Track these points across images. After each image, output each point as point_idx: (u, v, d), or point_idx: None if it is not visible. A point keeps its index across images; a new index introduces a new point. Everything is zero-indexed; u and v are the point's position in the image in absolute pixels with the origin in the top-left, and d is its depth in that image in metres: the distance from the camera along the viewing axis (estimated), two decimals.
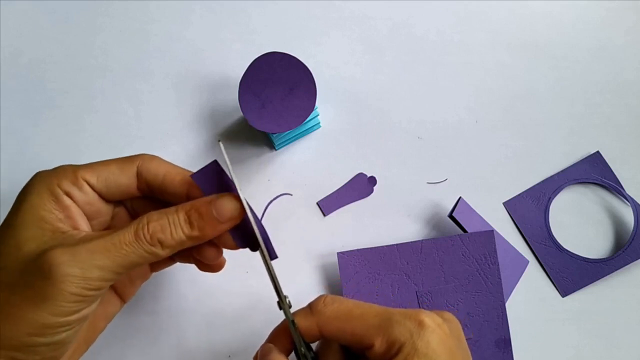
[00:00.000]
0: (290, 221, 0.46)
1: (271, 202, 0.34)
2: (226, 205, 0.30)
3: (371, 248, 0.43)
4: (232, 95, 0.49)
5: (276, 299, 0.31)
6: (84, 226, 0.31)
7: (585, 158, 0.49)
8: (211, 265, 0.35)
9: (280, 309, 0.31)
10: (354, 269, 0.43)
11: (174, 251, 0.29)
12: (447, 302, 0.43)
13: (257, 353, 0.31)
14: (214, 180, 0.31)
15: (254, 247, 0.32)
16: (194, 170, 0.32)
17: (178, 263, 0.37)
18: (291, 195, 0.31)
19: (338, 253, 0.43)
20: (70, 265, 0.26)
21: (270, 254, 0.31)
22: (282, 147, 0.48)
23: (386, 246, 0.43)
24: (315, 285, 0.45)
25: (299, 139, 0.48)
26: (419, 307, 0.43)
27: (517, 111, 0.50)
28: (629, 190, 0.48)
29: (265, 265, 0.31)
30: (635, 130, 0.50)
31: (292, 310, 0.31)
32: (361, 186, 0.47)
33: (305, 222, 0.46)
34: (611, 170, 0.48)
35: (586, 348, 0.44)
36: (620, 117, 0.50)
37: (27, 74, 0.50)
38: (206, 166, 0.31)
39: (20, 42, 0.51)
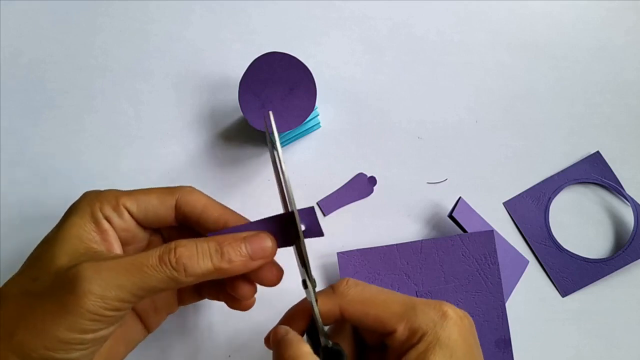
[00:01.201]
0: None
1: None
2: (261, 243, 0.30)
3: (371, 248, 0.43)
4: (232, 95, 0.49)
5: (300, 278, 0.30)
6: (118, 250, 0.31)
7: (585, 158, 0.49)
8: (241, 303, 0.35)
9: (306, 287, 0.30)
10: (354, 269, 0.43)
11: (197, 281, 0.29)
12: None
13: (269, 334, 0.31)
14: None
15: (290, 243, 0.32)
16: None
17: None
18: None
19: (338, 253, 0.43)
20: (91, 281, 0.26)
21: (318, 233, 0.31)
22: (282, 147, 0.48)
23: (386, 246, 0.43)
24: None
25: (299, 139, 0.48)
26: None
27: (517, 111, 0.50)
28: (629, 190, 0.48)
29: (296, 245, 0.30)
30: (635, 130, 0.50)
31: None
32: (361, 186, 0.47)
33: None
34: (611, 170, 0.48)
35: (586, 348, 0.44)
36: (620, 117, 0.50)
37: (27, 74, 0.50)
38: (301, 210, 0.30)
39: (20, 42, 0.51)
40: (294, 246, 0.31)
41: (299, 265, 0.30)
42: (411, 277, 0.43)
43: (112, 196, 0.31)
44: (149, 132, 0.49)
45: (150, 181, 0.47)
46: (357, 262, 0.43)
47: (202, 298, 0.37)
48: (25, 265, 0.30)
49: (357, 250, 0.43)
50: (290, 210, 0.30)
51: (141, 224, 0.33)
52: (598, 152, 0.49)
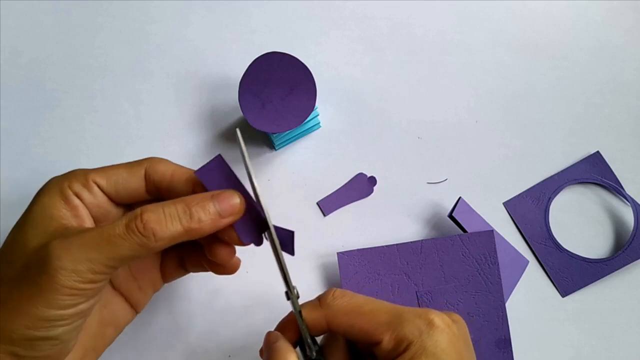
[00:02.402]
0: (290, 221, 0.46)
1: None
2: (229, 201, 0.30)
3: (371, 248, 0.43)
4: (232, 95, 0.49)
5: (284, 289, 0.30)
6: (91, 226, 0.31)
7: (585, 158, 0.49)
8: (226, 266, 0.34)
9: (288, 299, 0.30)
10: (354, 269, 0.43)
11: (168, 244, 0.29)
12: (447, 302, 0.43)
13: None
14: (219, 176, 0.31)
15: (259, 241, 0.32)
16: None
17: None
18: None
19: (338, 253, 0.43)
20: (62, 257, 0.26)
21: (289, 249, 0.31)
22: (282, 147, 0.48)
23: (386, 246, 0.43)
24: (315, 284, 0.45)
25: (299, 139, 0.48)
26: (419, 306, 0.43)
27: (517, 111, 0.50)
28: (629, 190, 0.48)
29: (275, 255, 0.30)
30: (635, 130, 0.50)
31: (299, 301, 0.31)
32: (361, 186, 0.47)
33: (305, 222, 0.46)
34: (611, 170, 0.48)
35: (586, 348, 0.44)
36: (620, 117, 0.50)
37: (27, 74, 0.50)
38: (210, 162, 0.31)
39: (20, 42, 0.51)
40: (275, 257, 0.31)
41: (281, 276, 0.31)
42: (411, 277, 0.43)
43: (81, 173, 0.31)
44: (149, 132, 0.49)
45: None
46: (357, 262, 0.43)
47: (187, 272, 0.37)
48: None
49: (357, 250, 0.43)
50: (268, 222, 0.30)
51: (113, 199, 0.32)
52: (598, 152, 0.49)
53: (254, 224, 0.31)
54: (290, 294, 0.30)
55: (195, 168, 0.31)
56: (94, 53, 0.51)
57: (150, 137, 0.48)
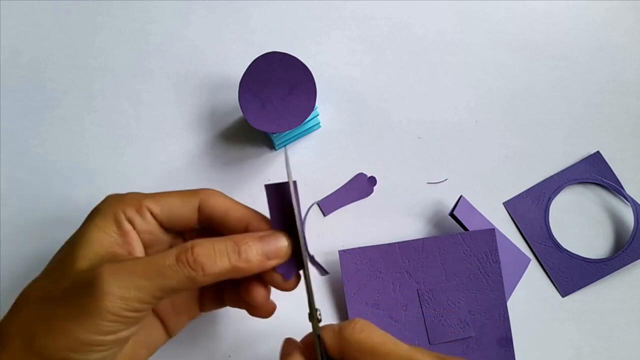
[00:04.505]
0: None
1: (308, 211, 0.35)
2: (277, 243, 0.30)
3: (372, 246, 0.43)
4: (232, 95, 0.49)
5: (307, 310, 0.31)
6: (139, 253, 0.31)
7: (585, 158, 0.49)
8: (261, 309, 0.35)
9: (310, 320, 0.31)
10: (355, 267, 0.43)
11: (214, 280, 0.29)
12: (448, 301, 0.43)
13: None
14: (282, 198, 0.32)
15: (296, 279, 0.33)
16: (255, 207, 0.33)
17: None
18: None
19: (339, 251, 0.43)
20: (110, 283, 0.26)
21: (321, 271, 0.32)
22: (282, 147, 0.48)
23: (387, 244, 0.43)
24: (316, 284, 0.45)
25: (299, 139, 0.48)
26: (420, 305, 0.43)
27: (517, 111, 0.50)
28: (629, 190, 0.48)
29: (304, 278, 0.31)
30: (635, 130, 0.50)
31: (321, 324, 0.31)
32: (361, 186, 0.47)
33: (306, 222, 0.46)
34: (611, 170, 0.48)
35: (586, 348, 0.44)
36: (620, 117, 0.50)
37: (27, 74, 0.50)
38: (282, 183, 0.32)
39: (20, 42, 0.51)
40: (305, 282, 0.31)
41: (307, 299, 0.31)
42: (412, 275, 0.43)
43: (135, 199, 0.31)
44: (149, 132, 0.49)
45: (150, 181, 0.47)
46: (358, 260, 0.43)
47: (224, 305, 0.37)
48: (47, 268, 0.30)
49: (359, 248, 0.43)
50: (304, 250, 0.31)
51: (164, 226, 0.33)
52: (598, 152, 0.49)
53: (293, 260, 0.32)
54: (313, 317, 0.30)
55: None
56: (94, 53, 0.50)
57: (150, 137, 0.48)
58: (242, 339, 0.44)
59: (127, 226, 0.31)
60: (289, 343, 0.31)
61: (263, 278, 0.32)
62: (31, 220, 0.46)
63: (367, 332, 0.30)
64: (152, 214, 0.32)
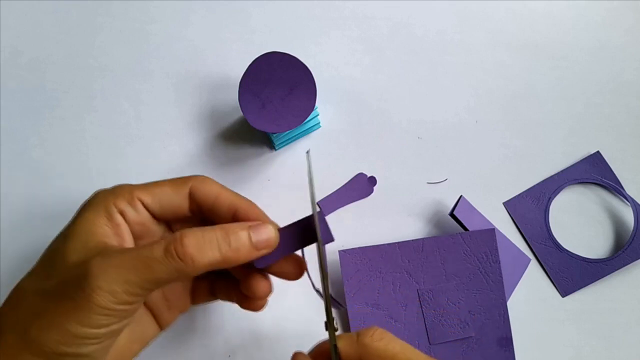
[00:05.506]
0: (290, 221, 0.46)
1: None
2: (266, 234, 0.30)
3: (372, 246, 0.43)
4: (232, 95, 0.49)
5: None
6: (130, 244, 0.31)
7: (585, 158, 0.49)
8: (256, 302, 0.35)
9: (327, 329, 0.30)
10: (355, 267, 0.43)
11: (204, 271, 0.29)
12: (448, 301, 0.43)
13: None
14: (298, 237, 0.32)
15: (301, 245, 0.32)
16: (237, 191, 0.33)
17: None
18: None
19: (339, 251, 0.43)
20: (100, 277, 0.26)
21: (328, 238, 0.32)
22: (282, 147, 0.48)
23: (387, 244, 0.43)
24: (316, 284, 0.45)
25: (299, 139, 0.48)
26: (420, 305, 0.43)
27: (517, 111, 0.50)
28: (629, 190, 0.48)
29: (323, 286, 0.31)
30: (635, 130, 0.50)
31: (337, 333, 0.30)
32: (361, 186, 0.47)
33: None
34: (611, 170, 0.48)
35: (586, 348, 0.44)
36: (620, 117, 0.50)
37: (27, 74, 0.50)
38: (299, 221, 0.32)
39: (20, 42, 0.51)
40: (322, 288, 0.31)
41: (324, 307, 0.31)
42: (413, 275, 0.43)
43: (127, 190, 0.31)
44: (149, 132, 0.49)
45: (150, 181, 0.47)
46: (358, 260, 0.43)
47: (215, 299, 0.37)
48: (38, 262, 0.30)
49: (359, 248, 0.43)
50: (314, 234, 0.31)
51: (156, 216, 0.33)
52: (598, 152, 0.49)
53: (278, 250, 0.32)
54: (330, 325, 0.30)
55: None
56: (94, 53, 0.50)
57: (150, 137, 0.48)
58: (242, 339, 0.44)
59: (119, 218, 0.31)
60: (298, 358, 0.31)
61: (271, 270, 0.32)
62: (31, 220, 0.46)
63: (386, 340, 0.30)
64: (143, 204, 0.31)
